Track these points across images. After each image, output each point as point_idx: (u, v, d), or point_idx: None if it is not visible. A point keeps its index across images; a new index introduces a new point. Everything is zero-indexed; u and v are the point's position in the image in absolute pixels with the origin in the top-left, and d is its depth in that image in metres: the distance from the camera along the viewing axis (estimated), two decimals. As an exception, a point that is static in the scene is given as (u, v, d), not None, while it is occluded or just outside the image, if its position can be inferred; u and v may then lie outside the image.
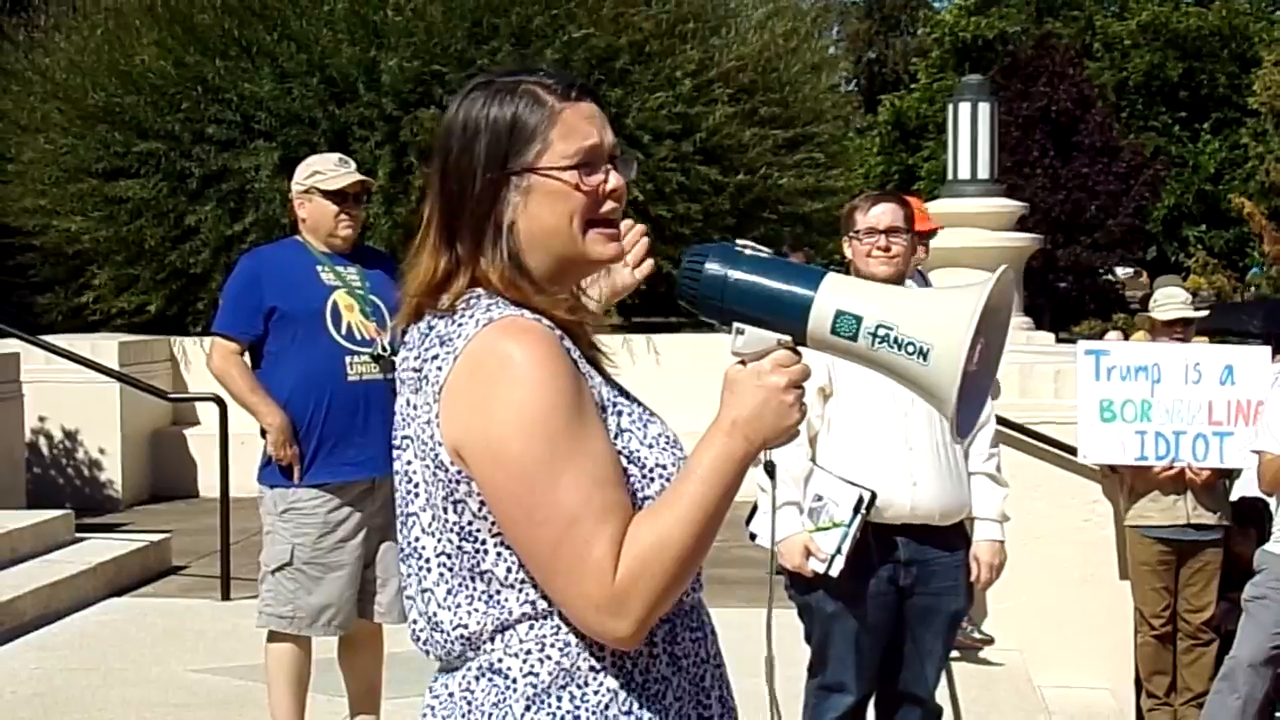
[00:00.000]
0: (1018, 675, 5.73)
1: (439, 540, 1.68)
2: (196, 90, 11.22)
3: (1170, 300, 6.38)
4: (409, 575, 1.74)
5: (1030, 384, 6.12)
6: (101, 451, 9.76)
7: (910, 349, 1.66)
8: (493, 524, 1.65)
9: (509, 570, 1.66)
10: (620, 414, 1.71)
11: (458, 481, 1.65)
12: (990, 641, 5.86)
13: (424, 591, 1.71)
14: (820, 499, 3.78)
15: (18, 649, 5.99)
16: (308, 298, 4.34)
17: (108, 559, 7.07)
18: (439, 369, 1.66)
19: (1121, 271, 26.58)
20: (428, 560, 1.70)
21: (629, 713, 1.66)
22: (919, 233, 4.97)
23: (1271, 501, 5.41)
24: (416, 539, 1.71)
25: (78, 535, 7.47)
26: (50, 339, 9.35)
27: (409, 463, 1.71)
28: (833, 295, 1.69)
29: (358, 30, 11.26)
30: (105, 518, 8.98)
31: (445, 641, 1.70)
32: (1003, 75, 24.36)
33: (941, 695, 4.21)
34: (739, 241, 1.77)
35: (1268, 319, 15.49)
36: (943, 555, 3.87)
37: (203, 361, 10.79)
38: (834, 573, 3.76)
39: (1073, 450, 6.01)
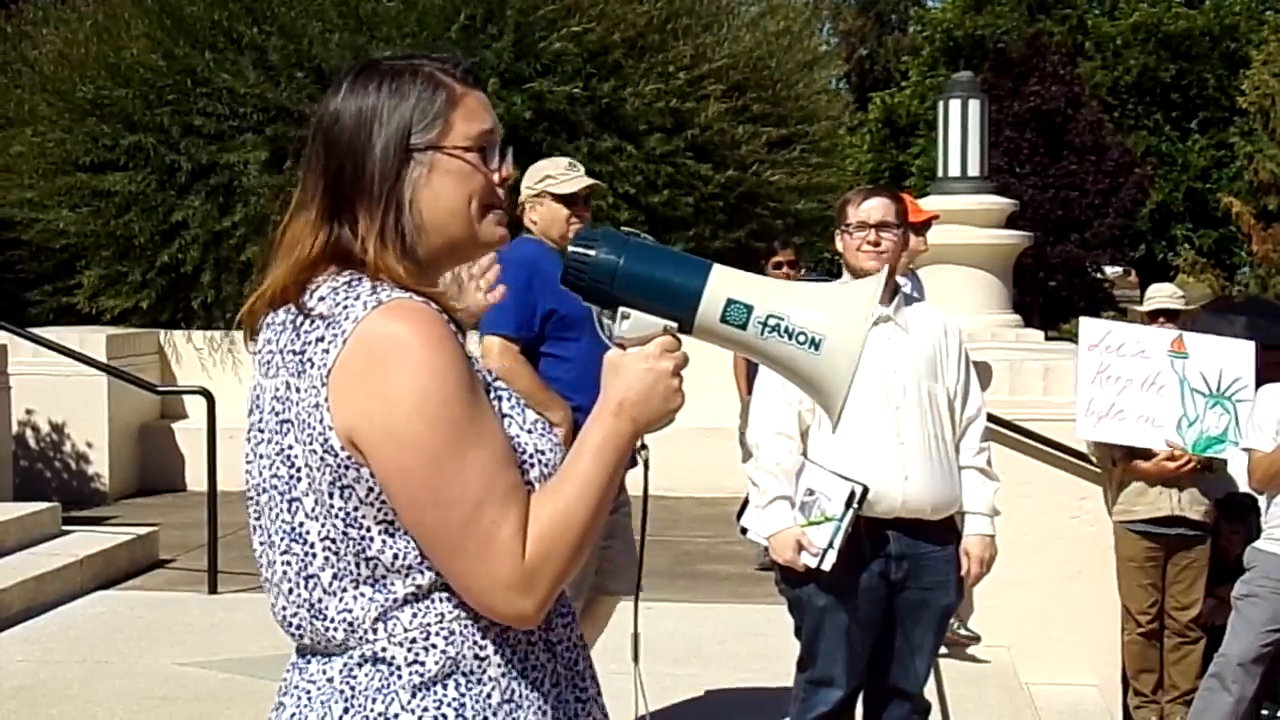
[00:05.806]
0: (1005, 672, 5.74)
1: (323, 525, 1.67)
2: (185, 83, 11.17)
3: (1157, 293, 6.54)
4: (286, 559, 1.71)
5: (1020, 381, 6.12)
6: (89, 445, 9.72)
7: (801, 339, 1.71)
8: (379, 510, 1.65)
9: (395, 557, 1.66)
10: (500, 399, 1.73)
11: (346, 467, 1.64)
12: (977, 639, 5.86)
13: (308, 577, 1.69)
14: (812, 493, 3.79)
15: (4, 641, 5.97)
16: (575, 299, 4.31)
17: (95, 552, 7.05)
18: (325, 352, 1.65)
19: (1110, 270, 26.65)
20: (312, 545, 1.68)
21: (512, 700, 1.69)
22: (915, 225, 4.98)
23: (1261, 499, 5.41)
24: (300, 524, 1.69)
25: (64, 528, 7.45)
26: (38, 331, 9.32)
27: (290, 446, 1.68)
28: (723, 284, 1.73)
29: (348, 20, 11.21)
30: (92, 511, 8.95)
31: (328, 628, 1.69)
32: (994, 73, 24.35)
33: (929, 693, 4.22)
34: (626, 228, 1.79)
35: (1251, 322, 15.42)
36: (934, 550, 3.88)
37: (191, 354, 10.94)
38: (826, 567, 3.77)
39: (1061, 448, 6.01)
